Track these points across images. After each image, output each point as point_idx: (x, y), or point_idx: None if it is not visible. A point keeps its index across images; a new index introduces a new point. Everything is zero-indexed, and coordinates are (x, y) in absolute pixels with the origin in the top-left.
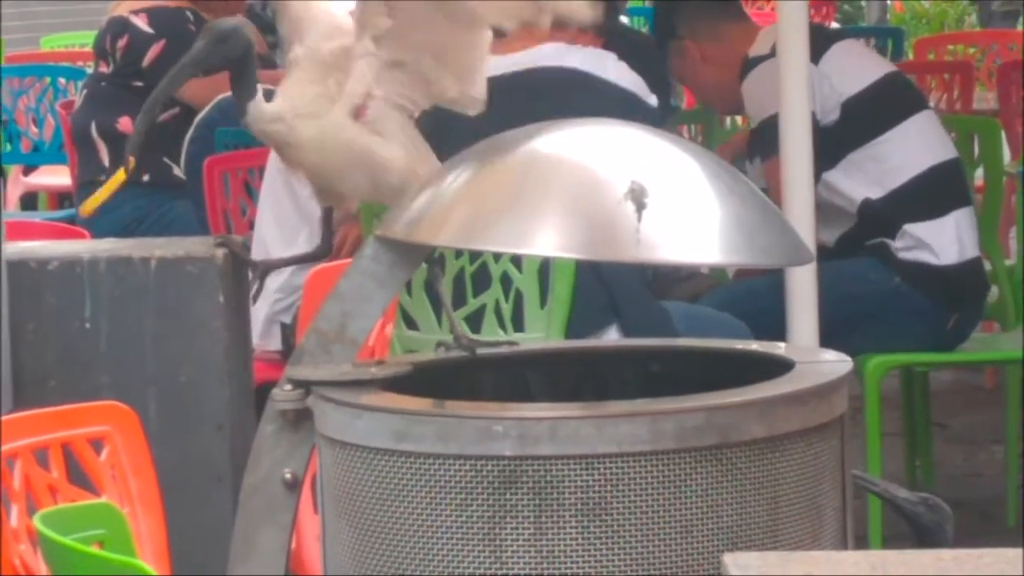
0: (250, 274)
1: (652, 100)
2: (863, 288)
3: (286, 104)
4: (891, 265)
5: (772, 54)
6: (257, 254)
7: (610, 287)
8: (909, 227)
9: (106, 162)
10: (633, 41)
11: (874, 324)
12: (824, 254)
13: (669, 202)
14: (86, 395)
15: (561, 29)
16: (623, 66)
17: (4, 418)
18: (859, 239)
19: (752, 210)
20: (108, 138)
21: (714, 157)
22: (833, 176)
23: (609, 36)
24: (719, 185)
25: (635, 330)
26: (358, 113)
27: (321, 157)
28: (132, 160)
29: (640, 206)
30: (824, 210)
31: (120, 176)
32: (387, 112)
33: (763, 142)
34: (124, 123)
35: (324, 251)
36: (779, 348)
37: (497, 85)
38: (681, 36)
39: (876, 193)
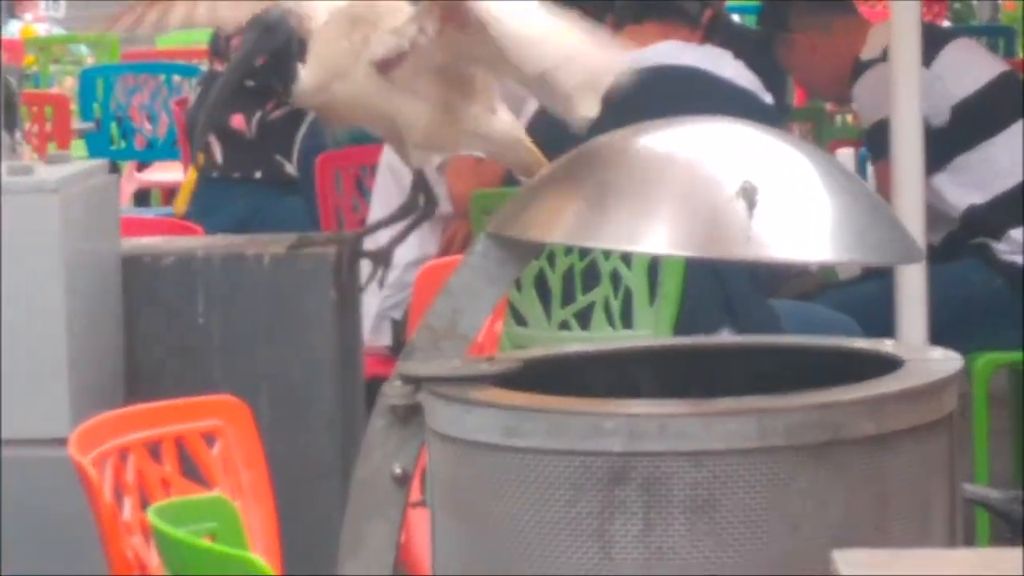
0: (371, 265)
1: (768, 98)
2: (966, 291)
3: (318, 68)
4: (993, 266)
5: (883, 58)
6: None
7: (725, 287)
8: (1014, 232)
9: (219, 159)
10: (746, 39)
11: (977, 326)
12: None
13: (780, 200)
14: (199, 389)
15: (673, 28)
16: (740, 64)
17: (118, 412)
18: (961, 241)
19: (863, 208)
20: (222, 135)
21: (825, 155)
22: (939, 180)
23: (722, 35)
24: (830, 183)
25: (746, 330)
26: (385, 66)
27: (359, 114)
28: (201, 157)
29: (751, 204)
30: (927, 212)
31: (192, 175)
32: (422, 73)
33: (873, 145)
34: (237, 121)
35: (412, 207)
36: (888, 345)
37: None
38: (791, 29)
39: (981, 198)
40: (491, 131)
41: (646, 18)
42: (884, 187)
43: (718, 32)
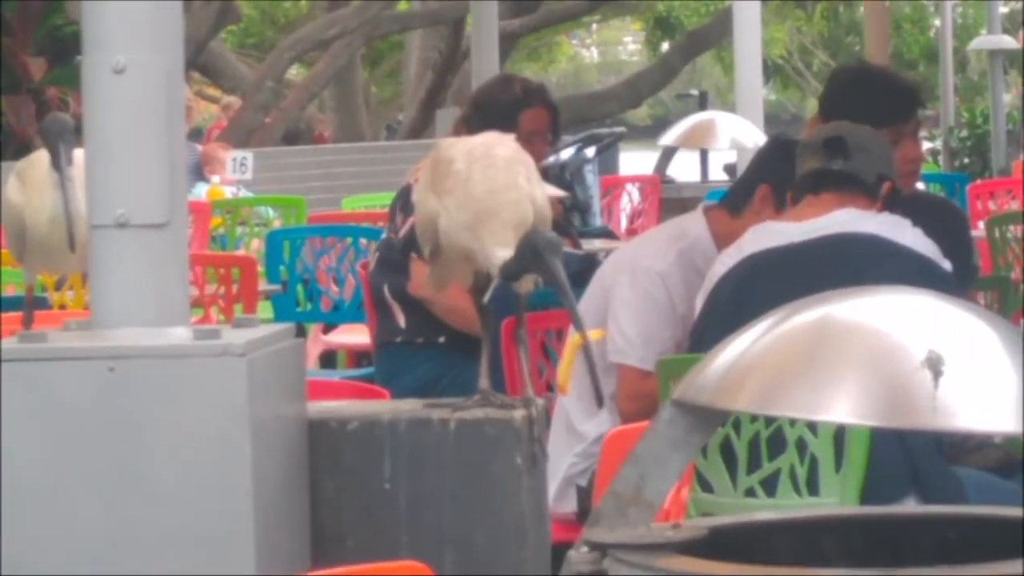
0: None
1: (947, 265)
2: None
3: (510, 230)
4: None
5: None
6: (558, 422)
7: (912, 457)
8: None
9: (402, 323)
10: (927, 205)
11: None
12: None
13: (966, 370)
14: (384, 554)
15: (851, 198)
16: (919, 231)
17: None
18: None
19: None
20: (401, 300)
21: (1009, 325)
22: None
23: (903, 202)
24: (1015, 353)
25: (932, 500)
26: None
27: None
28: (588, 334)
29: (937, 374)
30: None
31: (577, 342)
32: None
33: None
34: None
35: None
36: None
37: (792, 251)
38: None
39: None
40: None
41: (824, 189)
42: None
43: (896, 202)
